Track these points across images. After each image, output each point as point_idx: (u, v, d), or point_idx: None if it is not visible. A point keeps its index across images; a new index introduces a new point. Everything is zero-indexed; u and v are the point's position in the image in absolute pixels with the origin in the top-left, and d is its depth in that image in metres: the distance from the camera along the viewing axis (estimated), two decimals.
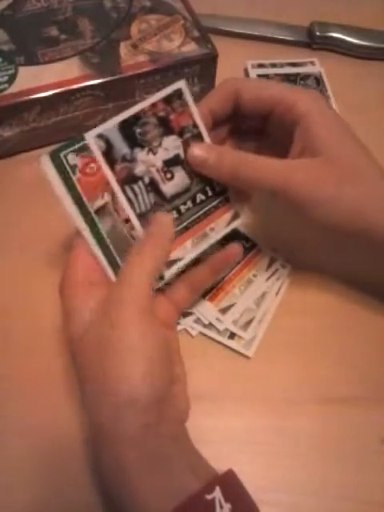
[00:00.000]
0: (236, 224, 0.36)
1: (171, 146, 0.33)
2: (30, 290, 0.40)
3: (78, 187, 0.30)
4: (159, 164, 0.33)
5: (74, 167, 0.30)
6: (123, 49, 0.46)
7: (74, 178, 0.30)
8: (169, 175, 0.33)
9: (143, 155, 0.32)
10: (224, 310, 0.39)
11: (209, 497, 0.26)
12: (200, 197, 0.34)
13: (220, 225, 0.35)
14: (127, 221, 0.32)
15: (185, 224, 0.34)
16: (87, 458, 0.34)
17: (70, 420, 0.35)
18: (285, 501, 0.33)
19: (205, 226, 0.35)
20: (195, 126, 0.33)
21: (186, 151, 0.33)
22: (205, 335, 0.39)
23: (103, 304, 0.29)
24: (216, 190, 0.35)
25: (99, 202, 0.31)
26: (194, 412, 0.31)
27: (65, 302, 0.30)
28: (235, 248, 0.36)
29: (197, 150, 0.33)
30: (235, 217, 0.36)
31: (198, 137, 0.34)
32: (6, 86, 0.43)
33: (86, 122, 0.47)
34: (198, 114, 0.33)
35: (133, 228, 0.32)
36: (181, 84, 0.32)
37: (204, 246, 0.35)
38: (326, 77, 0.52)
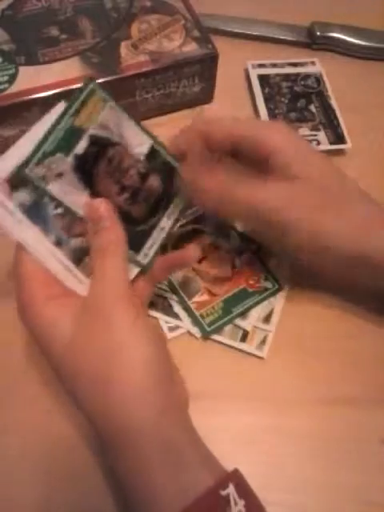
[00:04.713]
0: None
1: None
2: None
3: None
4: None
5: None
6: (124, 49, 0.46)
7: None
8: None
9: None
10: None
11: (223, 493, 0.26)
12: None
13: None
14: None
15: None
16: (85, 458, 0.34)
17: (67, 419, 0.35)
18: (286, 501, 0.33)
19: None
20: None
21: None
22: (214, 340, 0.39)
23: (84, 310, 0.29)
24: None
25: None
26: (196, 412, 0.31)
27: (36, 321, 0.30)
28: (193, 250, 0.35)
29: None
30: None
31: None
32: (6, 85, 0.43)
33: None
34: None
35: None
36: None
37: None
38: (326, 77, 0.52)
